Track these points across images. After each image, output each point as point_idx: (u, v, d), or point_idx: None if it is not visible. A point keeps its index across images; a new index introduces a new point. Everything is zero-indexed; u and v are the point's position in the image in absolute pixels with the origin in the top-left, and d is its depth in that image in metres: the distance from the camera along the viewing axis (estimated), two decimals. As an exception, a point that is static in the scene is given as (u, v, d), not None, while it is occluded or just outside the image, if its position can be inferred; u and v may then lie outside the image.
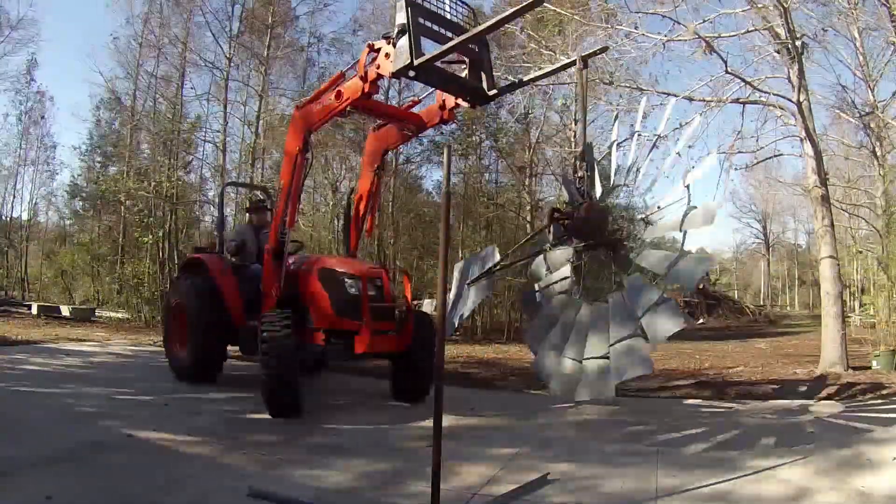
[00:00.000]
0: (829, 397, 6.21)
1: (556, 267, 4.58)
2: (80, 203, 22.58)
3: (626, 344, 3.66)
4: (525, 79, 5.25)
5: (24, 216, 25.58)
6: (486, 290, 4.68)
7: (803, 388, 6.76)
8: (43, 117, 24.70)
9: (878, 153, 11.98)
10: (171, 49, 17.91)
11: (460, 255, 17.62)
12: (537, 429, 4.83)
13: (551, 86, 11.18)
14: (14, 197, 24.96)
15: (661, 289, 3.90)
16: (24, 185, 25.47)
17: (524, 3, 3.33)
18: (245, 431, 4.38)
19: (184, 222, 18.63)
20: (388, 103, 12.54)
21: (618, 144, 4.89)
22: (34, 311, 15.04)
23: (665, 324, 3.54)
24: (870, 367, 7.88)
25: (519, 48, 9.47)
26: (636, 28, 8.87)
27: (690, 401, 6.23)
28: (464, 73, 4.49)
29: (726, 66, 8.45)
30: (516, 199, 18.73)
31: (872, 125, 11.69)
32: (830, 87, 17.72)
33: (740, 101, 8.99)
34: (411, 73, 3.96)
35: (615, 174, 4.52)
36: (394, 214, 16.71)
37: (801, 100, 8.33)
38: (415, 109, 5.84)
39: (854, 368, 7.75)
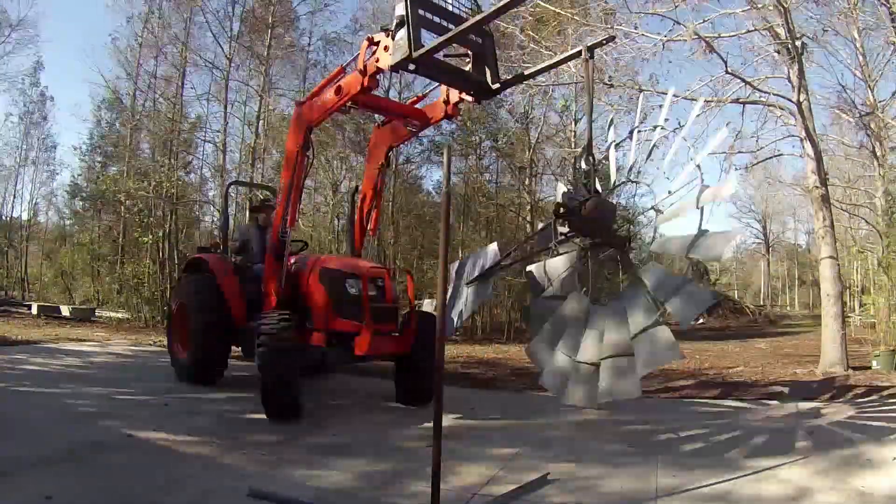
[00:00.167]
0: (829, 397, 6.21)
1: (556, 276, 4.46)
2: (80, 203, 22.58)
3: (650, 333, 3.50)
4: (528, 72, 5.04)
5: (24, 216, 25.70)
6: (486, 290, 4.57)
7: (803, 389, 6.76)
8: (45, 118, 24.82)
9: (878, 153, 11.98)
10: (172, 49, 17.92)
11: (460, 254, 17.63)
12: (537, 429, 4.83)
13: (551, 86, 11.19)
14: (14, 197, 25.06)
15: (682, 273, 3.81)
16: (25, 185, 25.56)
17: None
18: (245, 431, 4.38)
19: (184, 222, 18.63)
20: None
21: (616, 145, 4.77)
22: (34, 311, 15.04)
23: (692, 304, 3.41)
24: (870, 367, 7.88)
25: (519, 48, 9.46)
26: (636, 28, 8.87)
27: (690, 401, 6.23)
28: (468, 67, 4.36)
29: (726, 66, 8.45)
30: (516, 199, 18.74)
31: (872, 125, 11.69)
32: (830, 87, 17.75)
33: (740, 101, 8.98)
34: (411, 67, 3.85)
35: (616, 173, 4.43)
36: (394, 214, 16.71)
37: (801, 100, 8.33)
38: (419, 105, 5.71)
39: (854, 368, 7.75)
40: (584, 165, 4.04)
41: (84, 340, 10.14)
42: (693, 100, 8.74)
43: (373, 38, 4.39)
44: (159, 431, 4.15)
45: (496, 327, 16.23)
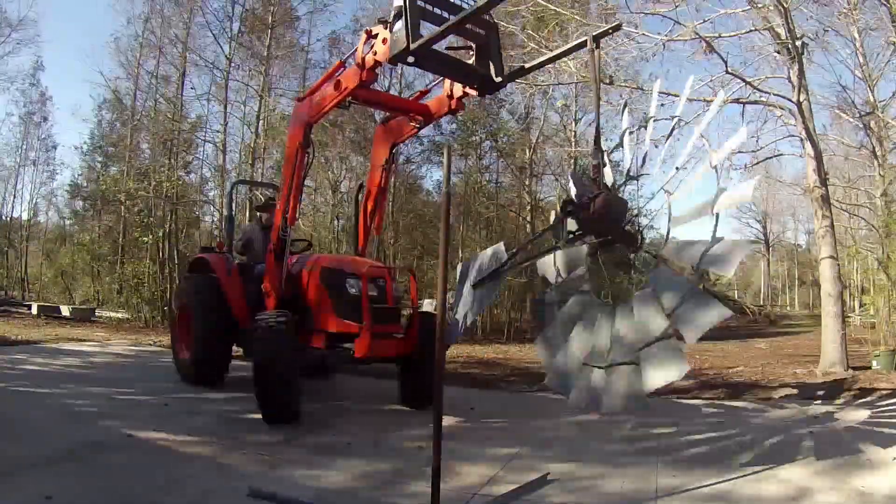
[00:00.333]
0: (829, 397, 6.21)
1: (569, 267, 4.15)
2: (81, 203, 22.61)
3: (658, 346, 3.26)
4: (532, 63, 4.66)
5: (25, 216, 25.69)
6: (493, 292, 4.36)
7: (804, 389, 6.76)
8: (45, 118, 24.83)
9: (878, 153, 11.98)
10: (172, 49, 17.94)
11: (460, 254, 17.63)
12: (537, 429, 4.83)
13: (551, 86, 11.19)
14: (14, 197, 25.06)
15: (692, 281, 3.53)
16: (25, 185, 25.56)
17: None
18: (245, 431, 4.38)
19: (184, 222, 18.62)
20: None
21: (630, 132, 4.45)
22: (34, 311, 15.04)
23: (701, 318, 3.12)
24: (870, 367, 7.88)
25: (519, 48, 9.46)
26: (636, 28, 8.87)
27: (690, 401, 6.22)
28: (471, 61, 4.14)
29: (726, 66, 8.45)
30: (516, 199, 18.74)
31: (872, 125, 11.69)
32: (830, 87, 17.77)
33: (740, 101, 8.98)
34: (410, 60, 3.67)
35: (630, 164, 4.13)
36: (394, 214, 16.70)
37: (801, 100, 8.33)
38: (422, 101, 5.47)
39: (854, 368, 7.75)
40: (592, 160, 3.75)
41: (84, 340, 10.14)
42: (693, 100, 8.74)
43: (371, 30, 4.21)
44: (159, 431, 4.15)
45: (496, 327, 16.22)
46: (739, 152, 9.69)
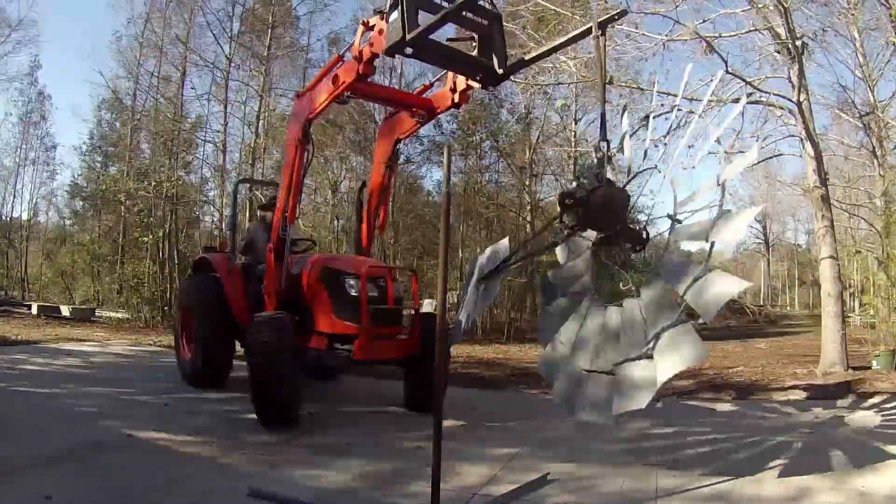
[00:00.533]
0: (829, 397, 6.21)
1: (576, 278, 3.92)
2: (80, 203, 22.61)
3: (672, 333, 3.08)
4: (535, 53, 4.44)
5: (24, 216, 25.69)
6: (494, 291, 4.26)
7: (803, 389, 6.76)
8: (44, 118, 24.84)
9: (878, 153, 11.98)
10: (172, 49, 17.95)
11: (460, 254, 17.65)
12: (537, 429, 4.83)
13: (551, 86, 11.20)
14: (14, 197, 25.05)
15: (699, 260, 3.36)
16: (25, 185, 25.56)
17: None
18: (245, 431, 4.38)
19: (184, 222, 18.62)
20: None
21: (629, 136, 4.32)
22: (34, 311, 15.04)
23: (715, 294, 2.96)
24: (870, 367, 7.88)
25: (519, 48, 9.45)
26: (636, 28, 8.87)
27: (690, 401, 6.23)
28: (475, 52, 3.95)
29: (726, 66, 8.45)
30: (516, 199, 18.75)
31: (872, 125, 11.69)
32: (830, 87, 17.76)
33: (741, 101, 8.98)
34: (408, 51, 3.52)
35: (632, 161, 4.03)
36: (394, 215, 16.71)
37: (801, 100, 8.33)
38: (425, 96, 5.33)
39: (854, 368, 7.75)
40: (594, 155, 3.57)
41: (84, 340, 10.14)
42: (693, 100, 8.75)
43: (368, 21, 4.08)
44: (159, 431, 4.15)
45: (496, 327, 16.23)
46: (739, 152, 9.69)
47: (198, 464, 3.56)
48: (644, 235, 3.39)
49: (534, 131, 17.86)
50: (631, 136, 4.11)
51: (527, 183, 17.77)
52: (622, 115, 4.75)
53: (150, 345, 10.18)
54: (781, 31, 8.28)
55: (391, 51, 3.62)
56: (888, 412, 5.31)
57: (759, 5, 8.33)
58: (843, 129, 15.11)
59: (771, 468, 3.57)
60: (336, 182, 18.25)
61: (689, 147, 3.57)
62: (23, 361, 7.28)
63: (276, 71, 18.44)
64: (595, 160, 3.63)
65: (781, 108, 9.02)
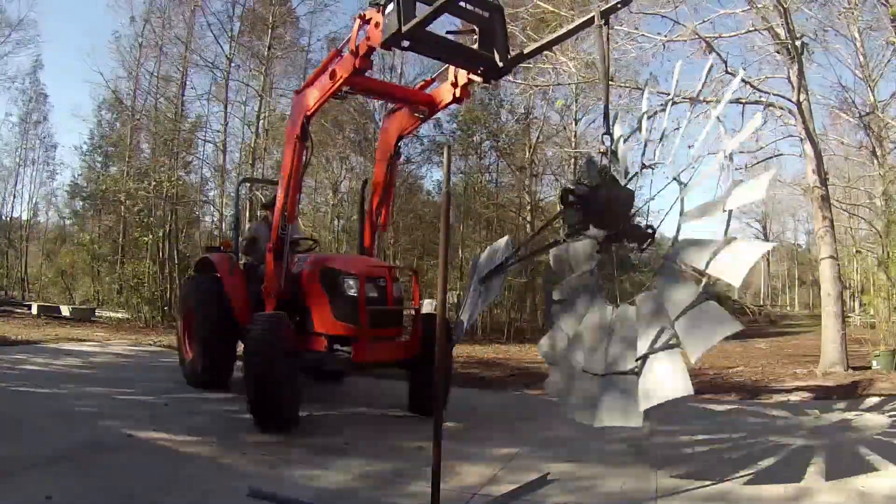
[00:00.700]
0: (829, 397, 6.21)
1: (577, 263, 3.87)
2: (81, 203, 22.61)
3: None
4: (536, 45, 4.25)
5: (24, 216, 25.72)
6: (497, 289, 4.16)
7: (803, 389, 6.76)
8: (45, 118, 24.87)
9: (878, 153, 11.97)
10: (173, 49, 17.96)
11: (460, 254, 17.65)
12: (537, 429, 4.83)
13: (551, 86, 11.19)
14: (14, 197, 25.08)
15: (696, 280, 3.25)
16: (25, 185, 25.58)
17: None
18: (245, 431, 4.37)
19: (184, 222, 18.64)
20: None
21: (647, 117, 4.19)
22: (34, 311, 15.04)
23: (707, 330, 2.81)
24: (870, 367, 7.88)
25: (519, 48, 9.46)
26: (636, 28, 8.88)
27: (690, 401, 6.22)
28: (475, 45, 3.85)
29: (726, 66, 8.45)
30: (516, 199, 18.76)
31: (872, 125, 11.68)
32: (830, 87, 17.75)
33: (740, 101, 8.98)
34: (404, 43, 3.44)
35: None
36: (394, 215, 16.71)
37: (801, 100, 8.34)
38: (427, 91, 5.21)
39: (854, 368, 7.75)
40: (600, 147, 3.40)
41: (84, 340, 10.14)
42: (693, 100, 8.72)
43: (364, 14, 3.98)
44: (159, 431, 4.14)
45: (496, 327, 16.24)
46: (739, 152, 9.70)
47: (198, 464, 3.55)
48: (651, 235, 3.29)
49: (534, 131, 17.88)
50: (625, 141, 4.04)
51: (527, 183, 17.78)
52: (614, 123, 4.59)
53: (150, 345, 10.18)
54: (781, 31, 8.28)
55: (387, 43, 3.56)
56: (888, 412, 5.31)
57: (759, 5, 8.33)
58: (843, 129, 15.12)
59: (771, 468, 3.58)
60: (337, 182, 18.26)
61: (689, 147, 3.56)
62: (23, 361, 7.28)
63: (276, 71, 18.48)
64: (599, 158, 3.52)
65: (781, 108, 9.02)
